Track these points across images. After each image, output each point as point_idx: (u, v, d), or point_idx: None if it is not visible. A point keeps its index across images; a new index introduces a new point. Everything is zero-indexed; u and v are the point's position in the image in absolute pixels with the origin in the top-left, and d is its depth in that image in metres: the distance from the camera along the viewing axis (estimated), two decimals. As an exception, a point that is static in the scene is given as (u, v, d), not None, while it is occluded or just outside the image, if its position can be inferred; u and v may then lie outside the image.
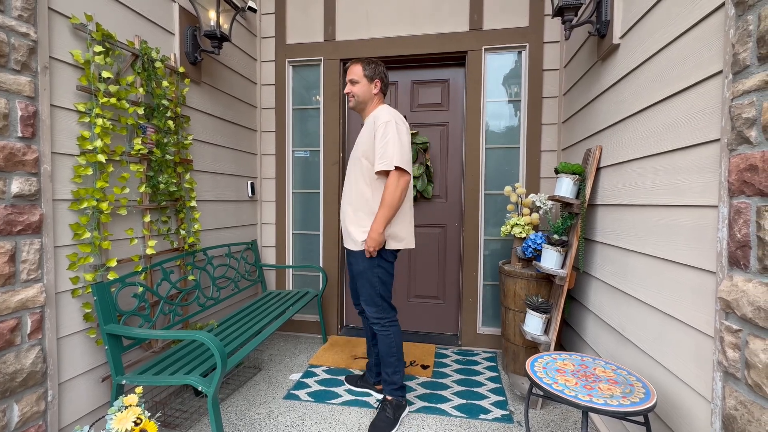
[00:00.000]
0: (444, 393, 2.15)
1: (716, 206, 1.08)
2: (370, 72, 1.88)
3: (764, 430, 0.85)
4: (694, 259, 1.17)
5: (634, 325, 1.53)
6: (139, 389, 1.37)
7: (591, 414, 1.93)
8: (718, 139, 1.07)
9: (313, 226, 3.07)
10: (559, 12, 1.84)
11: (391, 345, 1.87)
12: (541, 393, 1.99)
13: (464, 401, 2.07)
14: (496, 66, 2.74)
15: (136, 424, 1.28)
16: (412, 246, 1.91)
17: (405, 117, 2.91)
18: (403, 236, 1.85)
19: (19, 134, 1.32)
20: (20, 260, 1.33)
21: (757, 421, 0.87)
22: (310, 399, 2.08)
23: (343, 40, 2.89)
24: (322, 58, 2.92)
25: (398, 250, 1.88)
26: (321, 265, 3.02)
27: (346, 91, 1.92)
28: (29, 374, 1.36)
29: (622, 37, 1.69)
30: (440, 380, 2.30)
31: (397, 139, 1.73)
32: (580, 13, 2.03)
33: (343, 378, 2.32)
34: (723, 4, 1.07)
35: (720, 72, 1.08)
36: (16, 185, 1.32)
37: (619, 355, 1.66)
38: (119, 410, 1.29)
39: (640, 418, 1.42)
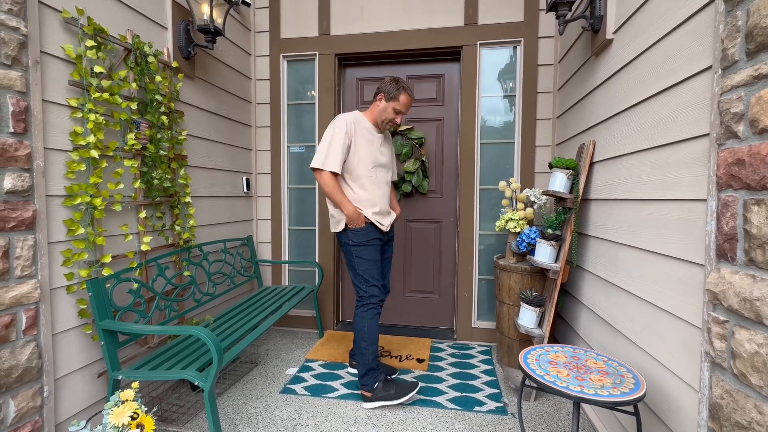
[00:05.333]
0: (439, 386, 2.18)
1: (705, 200, 1.09)
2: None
3: (748, 418, 0.87)
4: (683, 252, 1.19)
5: (625, 317, 1.55)
6: (135, 384, 1.38)
7: (583, 404, 1.96)
8: (707, 134, 1.09)
9: (309, 221, 3.07)
10: (553, 7, 1.84)
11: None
12: (534, 384, 2.01)
13: (459, 394, 2.10)
14: (491, 61, 2.74)
15: (133, 418, 1.29)
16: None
17: None
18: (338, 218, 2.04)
19: (11, 129, 1.31)
20: (14, 256, 1.33)
21: (742, 409, 0.89)
22: (306, 393, 2.10)
23: (338, 34, 2.87)
24: (317, 53, 2.90)
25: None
26: (317, 260, 3.02)
27: (399, 121, 2.03)
28: (25, 370, 1.36)
29: (615, 32, 1.70)
30: (435, 374, 2.32)
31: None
32: (574, 8, 2.03)
33: (339, 372, 2.34)
34: (713, 0, 1.08)
35: (710, 67, 1.09)
36: (9, 181, 1.31)
37: (610, 347, 1.68)
38: (116, 405, 1.30)
39: (630, 408, 1.45)
